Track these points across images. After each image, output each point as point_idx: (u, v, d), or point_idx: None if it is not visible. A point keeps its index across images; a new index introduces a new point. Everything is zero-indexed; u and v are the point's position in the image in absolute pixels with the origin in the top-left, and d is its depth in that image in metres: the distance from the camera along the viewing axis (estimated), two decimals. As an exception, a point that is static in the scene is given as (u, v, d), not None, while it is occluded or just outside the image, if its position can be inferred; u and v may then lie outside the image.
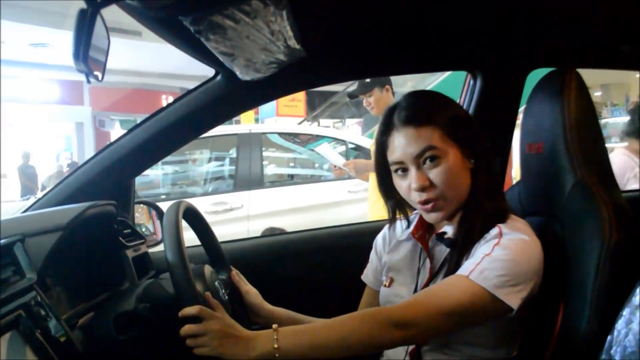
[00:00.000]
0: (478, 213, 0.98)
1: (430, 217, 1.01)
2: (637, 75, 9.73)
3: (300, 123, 7.94)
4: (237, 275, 1.18)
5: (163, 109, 1.29)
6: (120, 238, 1.18)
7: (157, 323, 0.92)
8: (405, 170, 0.99)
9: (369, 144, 3.96)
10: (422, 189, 0.97)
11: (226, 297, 1.05)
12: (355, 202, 3.89)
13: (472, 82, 1.47)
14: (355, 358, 0.88)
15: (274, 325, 0.87)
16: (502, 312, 0.90)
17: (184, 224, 0.99)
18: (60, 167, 10.62)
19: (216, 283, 1.04)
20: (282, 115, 8.59)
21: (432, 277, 1.02)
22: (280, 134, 4.58)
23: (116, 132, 11.89)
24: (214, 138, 4.05)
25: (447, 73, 5.14)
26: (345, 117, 9.68)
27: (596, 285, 0.93)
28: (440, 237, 1.02)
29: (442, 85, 5.51)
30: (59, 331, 0.79)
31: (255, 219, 3.79)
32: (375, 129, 1.09)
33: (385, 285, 1.12)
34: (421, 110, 0.99)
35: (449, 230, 1.02)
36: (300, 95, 8.88)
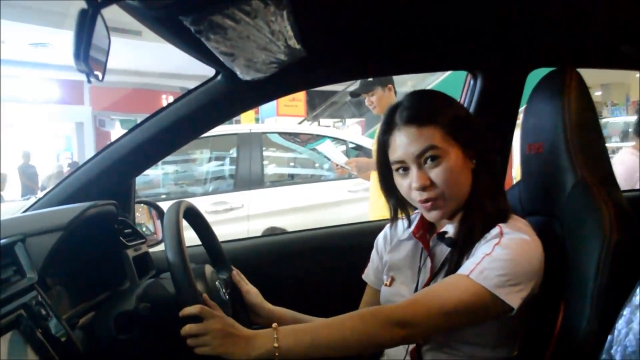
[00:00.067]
0: (479, 213, 0.98)
1: (430, 216, 1.01)
2: (637, 75, 9.74)
3: (300, 123, 7.95)
4: (237, 274, 1.18)
5: (163, 108, 1.29)
6: (120, 238, 1.18)
7: (158, 323, 0.92)
8: (406, 169, 0.99)
9: (369, 143, 3.97)
10: (422, 188, 0.97)
11: (227, 296, 1.05)
12: (355, 201, 3.90)
13: (472, 82, 1.47)
14: (356, 357, 0.88)
15: (274, 325, 0.87)
16: (503, 311, 0.90)
17: (184, 223, 0.99)
18: (60, 167, 10.62)
19: (217, 283, 1.04)
20: (282, 115, 8.59)
21: (433, 277, 1.02)
22: (280, 133, 4.59)
23: (116, 131, 11.89)
24: (214, 138, 4.05)
25: (447, 73, 5.14)
26: (345, 116, 9.68)
27: (596, 285, 0.93)
28: (441, 236, 1.02)
29: (442, 85, 5.52)
30: (59, 331, 0.79)
31: (255, 219, 3.79)
32: (377, 128, 1.09)
33: (386, 285, 1.12)
34: (423, 109, 0.99)
35: (450, 229, 1.02)
36: (301, 95, 8.88)
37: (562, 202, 1.06)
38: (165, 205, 1.21)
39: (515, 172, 3.74)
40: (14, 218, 1.03)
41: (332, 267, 1.54)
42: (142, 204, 1.49)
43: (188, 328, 0.85)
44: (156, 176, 4.43)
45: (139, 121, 1.31)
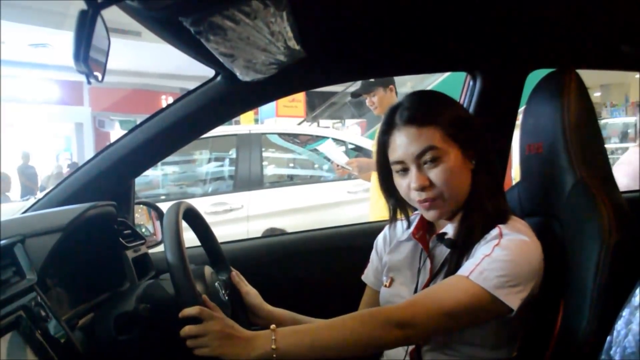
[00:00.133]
0: (478, 213, 0.98)
1: (429, 215, 1.01)
2: (637, 76, 9.75)
3: (299, 124, 7.95)
4: (237, 276, 1.18)
5: (163, 109, 1.29)
6: (120, 239, 1.18)
7: (157, 324, 0.92)
8: (405, 169, 0.99)
9: (369, 144, 3.96)
10: (421, 189, 0.97)
11: (226, 297, 1.05)
12: (354, 202, 3.90)
13: (472, 82, 1.47)
14: (356, 358, 0.88)
15: (272, 326, 0.87)
16: (502, 312, 0.90)
17: (184, 224, 0.99)
18: (59, 167, 10.61)
19: (216, 284, 1.04)
20: (281, 116, 8.58)
21: (433, 278, 1.02)
22: (280, 134, 4.59)
23: (116, 132, 11.88)
24: (213, 138, 4.05)
25: (447, 74, 5.14)
26: (344, 117, 9.67)
27: (596, 286, 0.93)
28: (441, 237, 1.02)
29: (442, 85, 5.52)
30: (59, 332, 0.79)
31: (255, 220, 3.79)
32: (377, 128, 1.09)
33: (385, 286, 1.12)
34: (423, 110, 0.99)
35: (449, 230, 1.02)
36: (300, 96, 8.88)
37: (562, 202, 1.06)
38: (164, 206, 1.21)
39: (515, 172, 3.74)
40: (14, 219, 1.03)
41: (331, 268, 1.54)
42: (141, 205, 1.49)
43: (187, 329, 0.85)
44: (156, 177, 4.43)
45: (138, 122, 1.31)
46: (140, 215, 1.49)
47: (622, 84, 11.85)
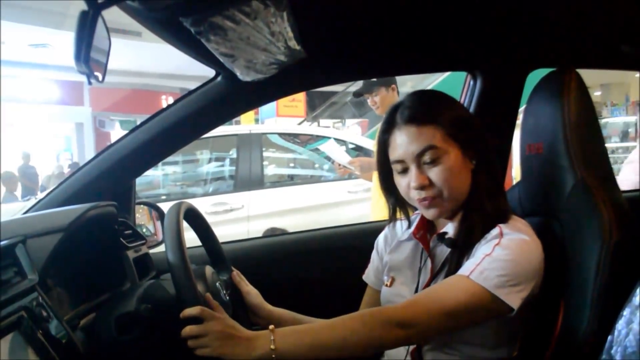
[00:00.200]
0: (479, 213, 0.98)
1: (429, 214, 1.01)
2: (637, 75, 9.73)
3: (300, 123, 7.95)
4: (237, 275, 1.18)
5: (164, 109, 1.29)
6: (121, 239, 1.18)
7: (159, 324, 0.92)
8: (405, 168, 0.99)
9: (369, 144, 3.96)
10: (421, 188, 0.97)
11: (227, 297, 1.05)
12: (355, 202, 3.90)
13: (472, 82, 1.47)
14: (356, 358, 0.88)
15: (271, 326, 0.87)
16: (503, 312, 0.90)
17: (184, 224, 0.99)
18: (60, 167, 10.60)
19: (217, 284, 1.04)
20: (282, 116, 8.58)
21: (433, 277, 1.02)
22: (280, 134, 4.59)
23: (116, 132, 11.88)
24: (214, 139, 4.06)
25: (447, 73, 5.14)
26: (345, 117, 9.67)
27: (596, 286, 0.93)
28: (442, 237, 1.02)
29: (442, 85, 5.51)
30: (60, 332, 0.79)
31: (255, 220, 3.79)
32: (377, 128, 1.09)
33: (386, 285, 1.12)
34: (424, 109, 0.99)
35: (450, 230, 1.02)
36: (300, 96, 8.88)
37: (562, 202, 1.06)
38: (165, 206, 1.21)
39: (515, 172, 3.74)
40: (15, 219, 1.03)
41: (332, 267, 1.54)
42: (142, 205, 1.49)
43: (188, 329, 0.85)
44: (156, 177, 4.43)
45: (138, 122, 1.31)
46: (141, 216, 1.49)
47: (622, 83, 11.84)
